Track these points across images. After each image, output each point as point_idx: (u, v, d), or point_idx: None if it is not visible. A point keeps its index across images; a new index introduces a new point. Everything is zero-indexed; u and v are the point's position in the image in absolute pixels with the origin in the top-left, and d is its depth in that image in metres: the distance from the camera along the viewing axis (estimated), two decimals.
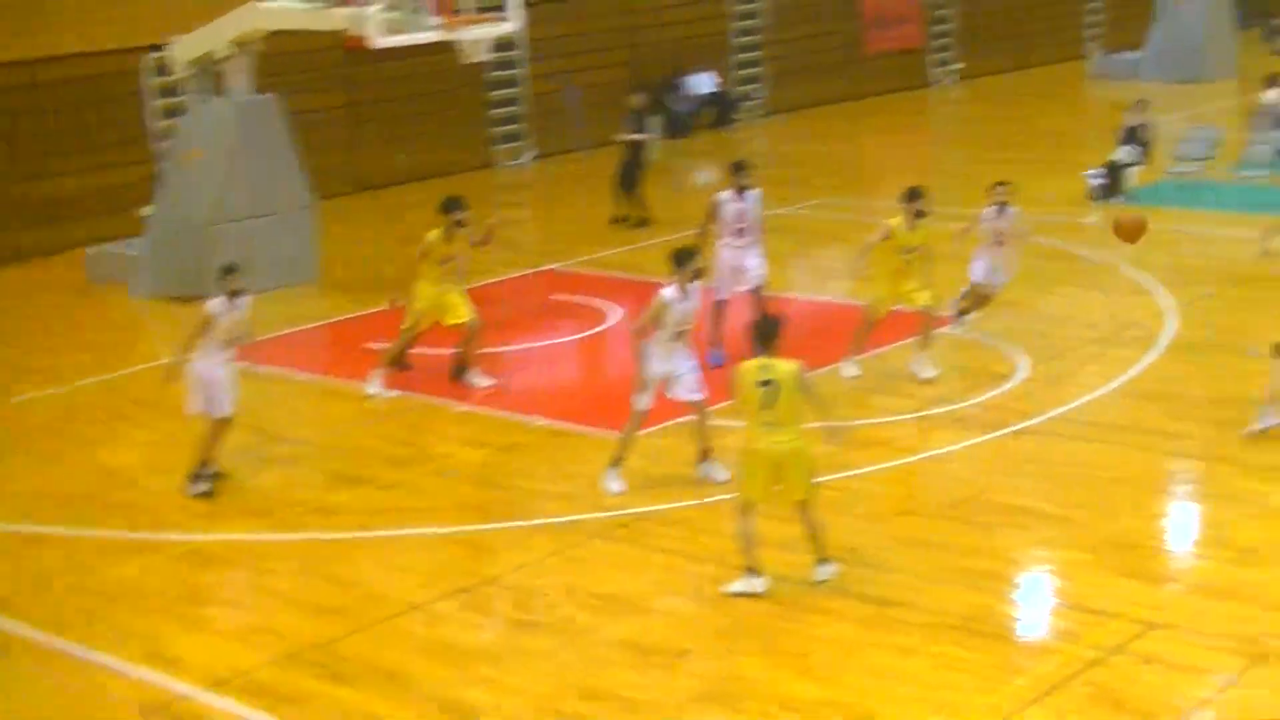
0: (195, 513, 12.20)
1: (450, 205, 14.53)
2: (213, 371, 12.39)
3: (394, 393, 14.63)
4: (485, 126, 27.19)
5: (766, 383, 10.02)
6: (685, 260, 11.83)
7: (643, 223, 21.54)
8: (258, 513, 12.09)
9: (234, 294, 12.38)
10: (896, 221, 14.39)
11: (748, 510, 10.24)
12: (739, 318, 13.53)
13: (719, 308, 14.93)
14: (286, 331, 16.91)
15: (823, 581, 10.28)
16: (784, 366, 10.05)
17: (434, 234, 14.48)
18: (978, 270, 15.66)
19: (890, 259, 14.41)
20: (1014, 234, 15.61)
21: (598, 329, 16.74)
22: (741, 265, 14.99)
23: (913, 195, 14.43)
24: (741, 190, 14.98)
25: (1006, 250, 15.63)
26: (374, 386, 14.65)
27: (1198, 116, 27.23)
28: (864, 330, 14.63)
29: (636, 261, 19.30)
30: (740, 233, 14.96)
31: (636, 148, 22.02)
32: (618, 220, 21.72)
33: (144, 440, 13.87)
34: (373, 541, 11.56)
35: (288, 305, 17.63)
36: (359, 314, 17.61)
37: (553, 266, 19.59)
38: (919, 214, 14.37)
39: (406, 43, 18.01)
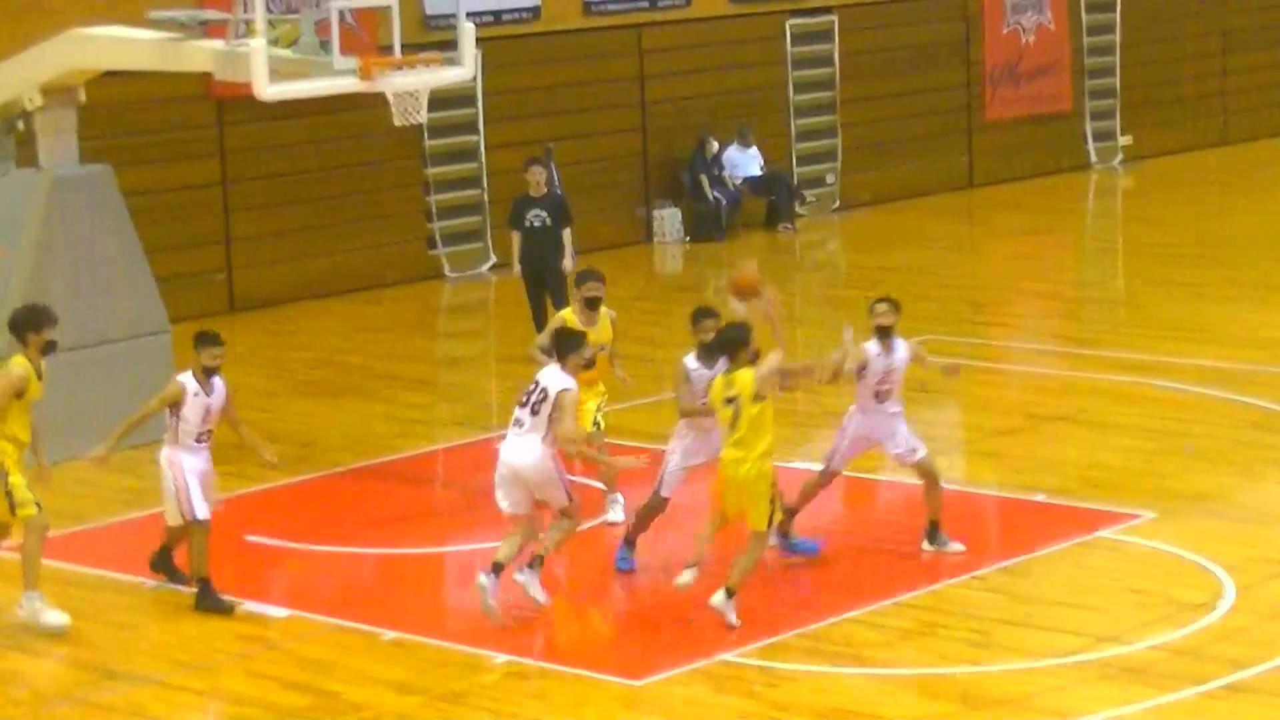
0: None
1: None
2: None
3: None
4: (427, 220, 27.27)
5: (730, 399, 13.34)
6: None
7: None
8: None
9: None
10: None
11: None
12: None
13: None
14: (128, 518, 16.84)
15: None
16: (743, 377, 13.39)
17: None
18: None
19: None
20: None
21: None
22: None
23: None
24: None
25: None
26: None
27: None
28: None
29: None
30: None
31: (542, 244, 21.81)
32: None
33: None
34: None
35: (135, 478, 17.31)
36: (236, 492, 17.42)
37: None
38: None
39: (306, 93, 18.10)
